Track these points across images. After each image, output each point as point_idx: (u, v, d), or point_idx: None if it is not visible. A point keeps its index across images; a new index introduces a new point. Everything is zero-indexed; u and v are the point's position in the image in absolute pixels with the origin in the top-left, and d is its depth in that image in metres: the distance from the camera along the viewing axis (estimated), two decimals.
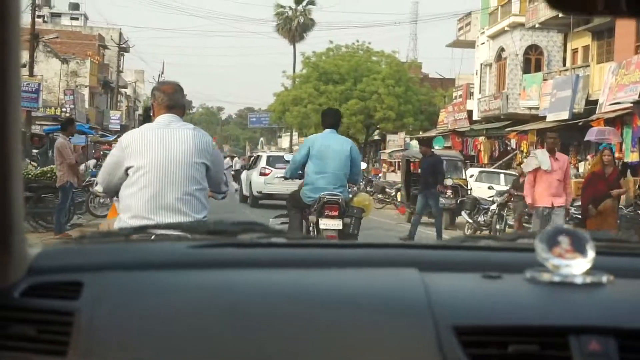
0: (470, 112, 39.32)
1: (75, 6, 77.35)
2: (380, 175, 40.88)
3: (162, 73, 74.85)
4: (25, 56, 33.38)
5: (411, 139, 44.00)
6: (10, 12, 1.34)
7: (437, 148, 34.92)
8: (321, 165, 8.48)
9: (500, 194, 17.97)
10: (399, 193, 24.47)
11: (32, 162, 18.24)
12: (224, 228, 1.97)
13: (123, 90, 70.61)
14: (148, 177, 4.53)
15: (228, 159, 35.97)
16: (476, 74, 41.08)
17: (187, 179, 4.58)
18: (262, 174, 25.37)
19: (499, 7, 36.87)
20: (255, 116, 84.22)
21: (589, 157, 25.58)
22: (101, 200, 15.83)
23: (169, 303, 1.44)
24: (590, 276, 1.51)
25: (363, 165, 10.22)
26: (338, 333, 1.37)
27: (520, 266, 1.57)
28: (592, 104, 26.74)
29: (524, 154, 32.15)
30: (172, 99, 4.83)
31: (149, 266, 1.59)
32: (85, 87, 53.70)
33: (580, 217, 12.63)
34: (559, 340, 1.35)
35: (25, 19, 33.75)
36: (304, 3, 67.72)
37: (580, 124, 25.59)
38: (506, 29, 35.38)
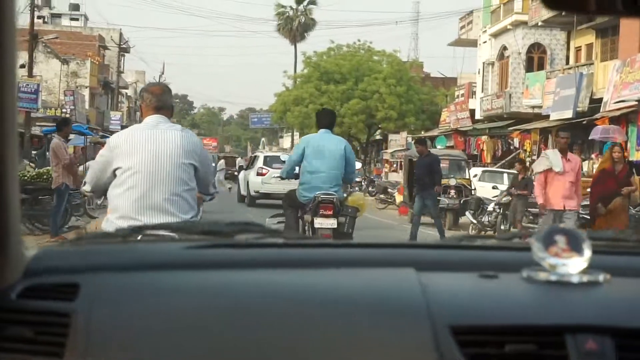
0: (472, 111, 39.14)
1: (76, 7, 77.24)
2: (381, 175, 40.67)
3: (163, 73, 74.80)
4: (24, 57, 33.22)
5: (413, 139, 43.78)
6: (5, 12, 1.34)
7: (439, 147, 34.87)
8: (316, 164, 8.60)
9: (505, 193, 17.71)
10: (396, 193, 24.29)
11: (30, 164, 17.98)
12: (221, 229, 1.96)
13: (124, 91, 70.40)
14: (136, 177, 4.56)
15: (222, 161, 36.01)
16: (478, 72, 40.89)
17: (174, 179, 4.61)
18: (259, 174, 25.90)
19: (501, 5, 36.66)
20: (257, 116, 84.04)
21: (593, 155, 25.34)
22: (99, 202, 15.62)
23: (166, 304, 1.44)
24: (586, 275, 1.51)
25: (357, 165, 10.31)
26: (335, 333, 1.37)
27: (517, 265, 1.56)
28: (596, 103, 26.56)
29: (527, 153, 31.99)
30: (160, 100, 4.86)
31: (146, 267, 1.59)
32: (86, 87, 53.47)
33: (588, 217, 12.24)
34: (555, 340, 1.35)
35: (25, 20, 33.51)
36: (305, 3, 67.56)
37: (584, 122, 25.40)
38: (508, 27, 35.16)
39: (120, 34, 63.50)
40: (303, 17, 67.87)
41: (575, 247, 1.51)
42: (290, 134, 69.03)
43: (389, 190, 28.19)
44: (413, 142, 17.09)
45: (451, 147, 36.99)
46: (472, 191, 20.77)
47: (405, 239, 14.31)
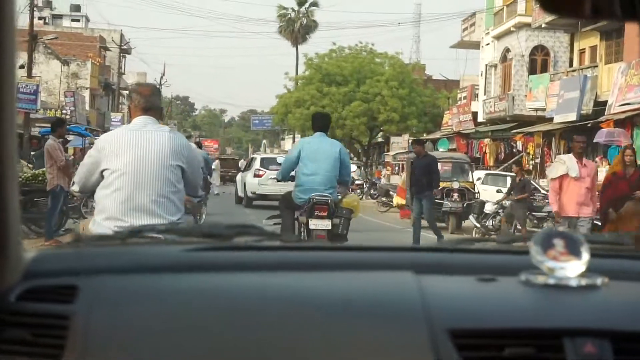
0: (475, 114, 38.99)
1: (77, 8, 77.12)
2: (381, 177, 40.48)
3: (164, 75, 74.62)
4: (23, 57, 33.08)
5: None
6: (5, 12, 1.34)
7: (441, 150, 34.68)
8: (311, 167, 8.77)
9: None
10: (395, 196, 24.07)
11: (28, 164, 17.71)
12: (219, 231, 1.94)
13: (125, 92, 70.12)
14: (123, 179, 4.57)
15: (217, 162, 35.95)
16: (481, 75, 40.68)
17: (161, 181, 4.62)
18: (256, 176, 26.31)
19: (504, 7, 36.47)
20: (258, 118, 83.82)
21: (597, 159, 25.08)
22: (94, 204, 15.32)
23: (165, 306, 1.44)
24: (585, 278, 1.51)
25: (353, 168, 10.56)
26: (333, 336, 1.36)
27: (515, 269, 1.56)
28: (600, 105, 26.36)
29: (530, 156, 31.83)
30: (149, 101, 4.86)
31: (145, 269, 1.59)
32: (86, 89, 53.29)
33: (598, 222, 11.83)
34: (554, 343, 1.35)
35: (25, 20, 33.35)
36: (307, 5, 67.45)
37: (589, 125, 25.19)
38: (512, 29, 35.00)
39: (121, 35, 63.31)
40: (305, 18, 67.78)
41: (573, 250, 1.51)
42: (291, 136, 68.80)
43: (391, 193, 27.95)
44: (411, 142, 16.77)
45: (453, 150, 36.81)
46: (476, 194, 20.53)
47: (405, 242, 14.08)
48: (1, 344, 1.42)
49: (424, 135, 44.34)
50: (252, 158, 29.74)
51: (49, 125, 14.69)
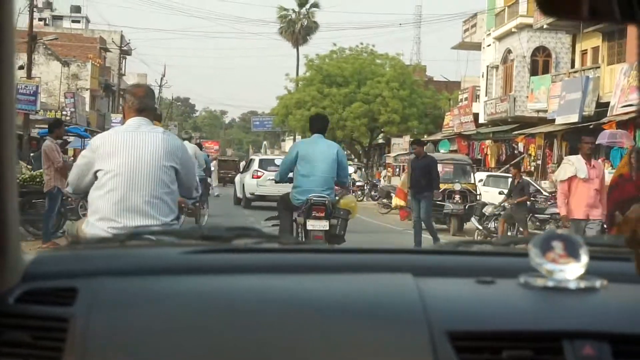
0: (476, 115, 38.83)
1: (77, 9, 76.99)
2: (379, 179, 40.36)
3: (164, 76, 74.58)
4: (23, 58, 33.00)
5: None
6: (4, 13, 1.35)
7: (442, 151, 34.61)
8: (309, 168, 8.85)
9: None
10: (394, 197, 23.94)
11: (27, 165, 17.57)
12: (219, 233, 1.95)
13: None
14: (116, 180, 4.59)
15: (215, 162, 35.91)
16: (482, 76, 40.53)
17: (155, 182, 4.63)
18: (254, 177, 26.57)
19: (506, 7, 36.33)
20: (259, 120, 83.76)
21: (599, 160, 24.93)
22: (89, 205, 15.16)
23: (164, 309, 1.44)
24: (583, 281, 1.51)
25: (351, 170, 10.57)
26: (332, 339, 1.37)
27: (514, 271, 1.56)
28: (603, 107, 26.21)
29: (532, 158, 31.70)
30: (143, 102, 4.88)
31: (144, 272, 1.59)
32: (87, 90, 53.15)
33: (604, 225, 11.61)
34: (553, 345, 1.35)
35: (24, 21, 33.26)
36: (307, 6, 67.37)
37: (591, 126, 25.05)
38: (513, 30, 34.85)
39: (122, 36, 63.17)
40: (305, 20, 67.71)
41: (572, 253, 1.51)
42: (292, 137, 68.69)
43: (392, 194, 27.85)
44: (410, 142, 16.60)
45: (454, 152, 36.72)
46: (478, 196, 20.38)
47: (405, 244, 13.96)
48: (0, 346, 1.41)
49: (425, 136, 44.22)
50: (251, 159, 30.00)
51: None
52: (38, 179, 13.38)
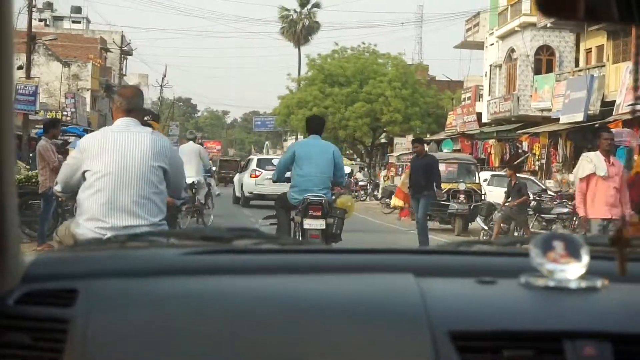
0: (479, 115, 38.64)
1: (78, 9, 76.78)
2: (381, 178, 40.12)
3: (165, 76, 74.37)
4: (22, 58, 32.85)
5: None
6: (3, 13, 1.35)
7: (445, 151, 34.33)
8: (306, 168, 9.01)
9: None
10: (394, 197, 23.67)
11: (27, 166, 17.33)
12: (219, 234, 1.94)
13: None
14: (104, 180, 4.61)
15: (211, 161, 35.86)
16: (485, 75, 40.34)
17: (143, 182, 4.65)
18: (252, 176, 27.10)
19: (509, 6, 36.10)
20: (261, 120, 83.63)
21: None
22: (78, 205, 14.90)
23: (164, 310, 1.43)
24: (584, 281, 1.50)
25: (347, 169, 10.46)
26: (334, 339, 1.36)
27: (515, 271, 1.56)
28: (608, 106, 26.01)
29: (536, 157, 31.47)
30: (131, 102, 4.92)
31: (144, 273, 1.58)
32: (87, 90, 52.99)
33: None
34: (553, 345, 1.35)
35: (24, 21, 33.09)
36: (309, 6, 67.21)
37: (596, 125, 24.82)
38: (516, 29, 34.63)
39: (122, 37, 62.99)
40: (307, 20, 67.56)
41: (573, 252, 1.51)
42: (294, 137, 68.51)
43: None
44: (411, 140, 16.33)
45: (458, 151, 36.48)
46: (483, 196, 20.11)
47: (407, 244, 13.74)
48: (0, 347, 1.41)
49: (428, 136, 44.01)
50: (249, 159, 30.51)
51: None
52: (34, 180, 13.00)
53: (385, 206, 27.82)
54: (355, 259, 1.80)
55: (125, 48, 63.32)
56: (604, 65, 27.93)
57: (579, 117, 27.14)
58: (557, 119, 29.35)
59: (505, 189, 17.08)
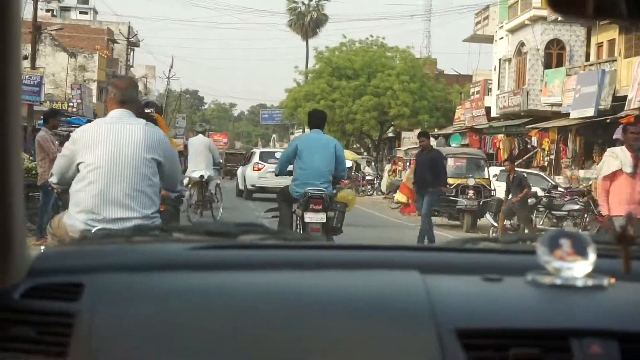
0: (488, 109, 38.33)
1: (85, 0, 76.60)
2: (385, 172, 39.81)
3: (172, 68, 74.16)
4: (27, 48, 32.68)
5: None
6: (10, 3, 1.34)
7: (454, 145, 34.10)
8: (307, 162, 9.10)
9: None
10: (398, 192, 23.33)
11: (29, 157, 17.07)
12: (225, 229, 1.93)
13: None
14: (97, 172, 4.60)
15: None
16: (494, 69, 39.98)
17: (136, 174, 4.63)
18: (255, 169, 27.30)
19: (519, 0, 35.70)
20: (268, 113, 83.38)
21: None
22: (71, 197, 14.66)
23: (170, 305, 1.44)
24: (591, 279, 1.50)
25: (348, 164, 10.01)
26: (339, 336, 1.36)
27: (522, 269, 1.56)
28: (619, 100, 25.61)
29: (545, 152, 31.15)
30: (125, 94, 4.90)
31: (150, 268, 1.59)
32: (94, 81, 52.85)
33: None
34: (560, 344, 1.34)
35: (30, 11, 32.89)
36: None
37: (608, 121, 24.49)
38: (527, 22, 34.24)
39: (129, 28, 62.79)
40: (315, 12, 67.34)
41: (580, 250, 1.50)
42: (301, 130, 68.28)
43: None
44: (417, 134, 16.13)
45: (466, 146, 36.22)
46: (492, 192, 19.78)
47: (413, 240, 13.47)
48: (6, 341, 1.41)
49: (436, 130, 43.75)
50: (252, 152, 30.77)
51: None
52: (34, 171, 12.69)
53: (392, 201, 27.56)
54: (361, 255, 1.78)
55: (132, 39, 63.13)
56: (615, 60, 27.55)
57: (590, 112, 26.78)
58: (567, 114, 29.01)
59: (505, 184, 16.72)
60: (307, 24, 66.70)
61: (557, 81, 31.14)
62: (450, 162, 20.55)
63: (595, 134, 27.61)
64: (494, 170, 24.84)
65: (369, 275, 1.58)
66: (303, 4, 67.58)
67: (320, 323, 1.38)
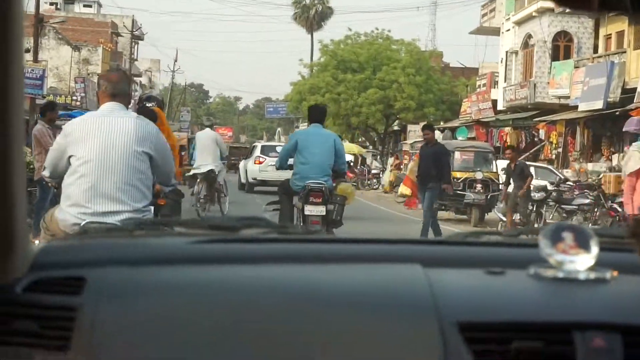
0: (494, 102, 38.00)
1: None
2: (387, 166, 39.54)
3: (176, 61, 73.98)
4: (30, 41, 32.50)
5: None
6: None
7: (460, 139, 33.76)
8: (307, 156, 9.29)
9: (537, 189, 16.37)
10: (402, 185, 23.02)
11: (31, 151, 16.76)
12: (227, 223, 1.94)
13: (137, 79, 69.41)
14: (88, 166, 4.58)
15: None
16: (501, 62, 39.68)
17: (127, 168, 4.62)
18: (256, 162, 27.61)
19: None
20: (273, 106, 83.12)
21: (625, 148, 24.04)
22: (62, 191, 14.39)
23: (172, 299, 1.44)
24: (594, 272, 1.49)
25: (348, 157, 9.65)
26: (341, 329, 1.37)
27: (524, 262, 1.56)
28: (629, 93, 25.28)
29: (553, 145, 30.84)
30: (116, 87, 4.90)
31: (152, 262, 1.59)
32: (97, 75, 52.62)
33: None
34: (563, 337, 1.34)
35: (33, 4, 32.65)
36: None
37: (617, 113, 24.18)
38: (534, 14, 33.86)
39: (133, 21, 62.53)
40: (320, 5, 67.09)
41: (582, 243, 1.49)
42: (306, 123, 68.10)
43: None
44: (422, 127, 15.74)
45: (472, 139, 35.88)
46: (500, 186, 19.48)
47: (416, 234, 13.22)
48: (8, 335, 1.42)
49: (442, 123, 43.47)
50: (254, 146, 31.22)
51: (61, 111, 13.85)
52: (32, 166, 12.36)
53: (396, 195, 27.33)
54: (364, 248, 1.78)
55: (136, 32, 62.90)
56: (624, 52, 27.20)
57: (599, 104, 26.44)
58: (575, 107, 28.68)
59: (505, 174, 16.40)
60: (312, 16, 66.50)
61: (564, 73, 30.80)
62: (457, 155, 20.27)
63: (603, 127, 27.30)
64: (502, 163, 24.53)
65: (371, 269, 1.58)
66: None
67: (322, 316, 1.38)
